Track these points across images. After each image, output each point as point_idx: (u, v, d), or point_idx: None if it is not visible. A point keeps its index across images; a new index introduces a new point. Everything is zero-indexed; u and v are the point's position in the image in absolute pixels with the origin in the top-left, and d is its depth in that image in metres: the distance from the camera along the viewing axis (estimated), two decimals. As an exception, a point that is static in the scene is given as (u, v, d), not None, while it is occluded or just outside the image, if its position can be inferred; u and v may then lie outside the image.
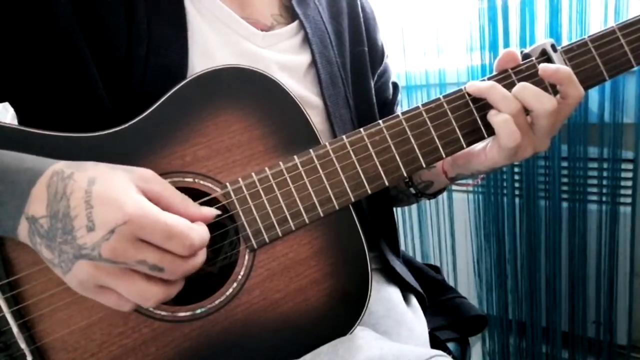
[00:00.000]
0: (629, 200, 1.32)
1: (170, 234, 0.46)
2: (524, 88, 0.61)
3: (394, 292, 0.82)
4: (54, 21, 0.58)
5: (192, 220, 0.50)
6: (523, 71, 0.64)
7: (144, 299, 0.47)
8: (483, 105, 0.63)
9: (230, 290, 0.58)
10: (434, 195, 0.85)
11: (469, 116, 0.64)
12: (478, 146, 0.68)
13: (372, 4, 0.88)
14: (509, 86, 0.62)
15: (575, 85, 0.61)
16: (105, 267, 0.46)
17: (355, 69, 0.80)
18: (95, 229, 0.45)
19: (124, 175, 0.49)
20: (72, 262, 0.46)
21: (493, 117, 0.61)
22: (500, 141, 0.61)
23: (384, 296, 0.80)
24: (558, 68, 0.61)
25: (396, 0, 1.56)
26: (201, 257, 0.50)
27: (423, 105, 0.63)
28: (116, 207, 0.45)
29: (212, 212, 0.55)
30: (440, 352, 0.60)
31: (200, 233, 0.49)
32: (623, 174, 1.31)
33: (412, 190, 0.84)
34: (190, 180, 0.58)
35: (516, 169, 1.46)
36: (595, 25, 1.23)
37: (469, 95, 0.64)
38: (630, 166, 1.30)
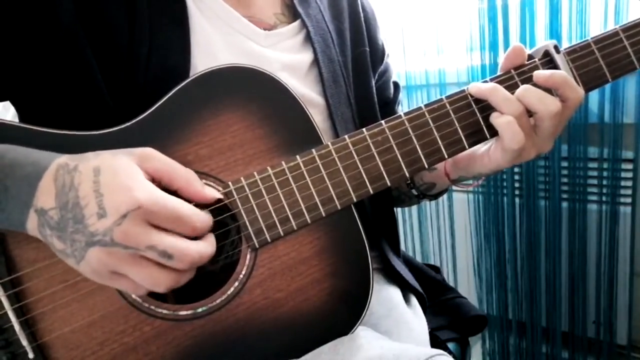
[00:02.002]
0: (629, 200, 1.33)
1: (178, 217, 0.48)
2: (526, 90, 0.61)
3: (395, 292, 0.82)
4: (56, 20, 0.59)
5: (193, 199, 0.53)
6: (526, 72, 0.64)
7: (154, 284, 0.49)
8: (486, 106, 0.63)
9: (232, 289, 0.58)
10: (436, 196, 0.85)
11: (471, 117, 0.64)
12: (481, 149, 0.68)
13: (372, 4, 0.88)
14: (512, 87, 0.62)
15: (572, 87, 0.61)
16: (118, 253, 0.47)
17: (356, 68, 0.80)
18: (106, 215, 0.46)
19: (126, 158, 0.50)
20: (85, 250, 0.47)
21: (496, 119, 0.61)
22: (503, 143, 0.61)
23: (385, 296, 0.80)
24: (552, 73, 0.61)
25: (396, 0, 1.56)
26: (209, 248, 0.52)
27: (425, 105, 0.63)
28: (126, 193, 0.46)
29: (213, 193, 0.56)
30: (440, 351, 0.60)
31: (203, 217, 0.52)
32: (623, 174, 1.32)
33: (414, 192, 0.84)
34: None
35: (516, 169, 1.46)
36: (595, 25, 1.23)
37: (472, 96, 0.64)
38: (630, 166, 1.30)
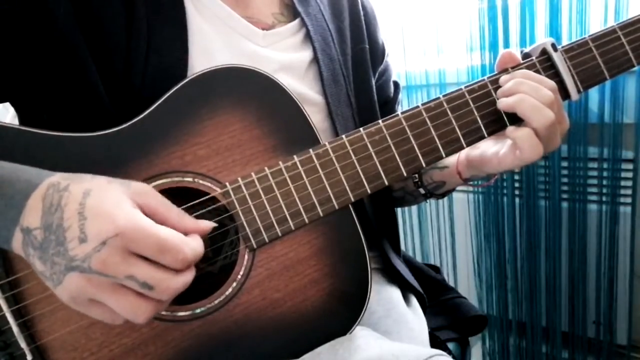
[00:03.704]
0: (629, 200, 1.32)
1: (163, 248, 0.46)
2: (522, 100, 0.61)
3: (394, 292, 0.82)
4: (54, 22, 0.58)
5: (188, 233, 0.50)
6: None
7: (134, 314, 0.46)
8: (483, 104, 0.63)
9: (230, 289, 0.58)
10: (444, 195, 0.85)
11: (468, 116, 0.64)
12: (490, 149, 0.68)
13: (372, 3, 0.88)
14: None
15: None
16: (97, 280, 0.45)
17: (356, 66, 0.80)
18: (87, 240, 0.44)
19: (119, 188, 0.49)
20: (64, 274, 0.45)
21: (513, 132, 0.62)
22: (523, 155, 0.63)
23: (384, 296, 0.80)
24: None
25: (396, 0, 1.56)
26: (190, 275, 0.49)
27: (423, 104, 0.63)
28: (108, 220, 0.45)
29: (208, 225, 0.54)
30: (440, 351, 0.60)
31: (193, 247, 0.49)
32: (623, 174, 1.31)
33: (422, 191, 0.83)
34: (190, 179, 0.58)
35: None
36: (595, 25, 1.23)
37: (469, 94, 0.64)
38: (630, 166, 1.30)
